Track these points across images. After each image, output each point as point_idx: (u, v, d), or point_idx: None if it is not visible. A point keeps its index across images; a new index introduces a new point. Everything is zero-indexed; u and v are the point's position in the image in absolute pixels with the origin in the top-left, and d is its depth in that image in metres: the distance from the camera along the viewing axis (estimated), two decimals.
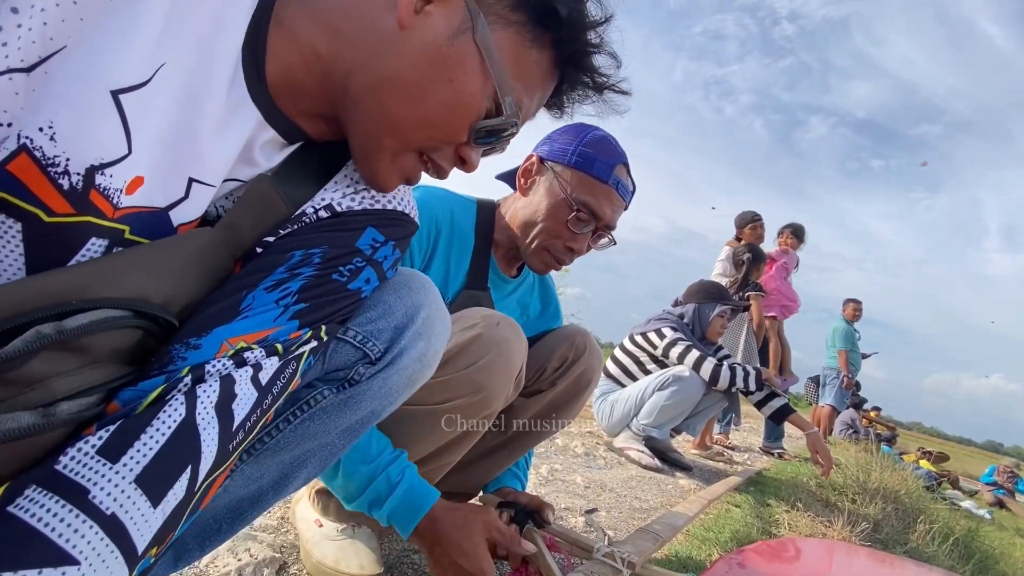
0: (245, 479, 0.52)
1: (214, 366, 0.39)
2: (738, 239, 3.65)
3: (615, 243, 1.01)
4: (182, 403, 0.36)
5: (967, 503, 6.57)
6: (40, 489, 0.30)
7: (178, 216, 0.41)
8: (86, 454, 0.32)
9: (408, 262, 0.89)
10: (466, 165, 0.51)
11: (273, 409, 0.45)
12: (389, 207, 0.53)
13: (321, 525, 0.91)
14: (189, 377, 0.38)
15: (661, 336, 2.45)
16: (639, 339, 2.53)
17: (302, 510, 0.96)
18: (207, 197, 0.43)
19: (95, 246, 0.37)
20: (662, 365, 2.46)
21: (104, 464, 0.32)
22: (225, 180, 0.45)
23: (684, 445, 3.00)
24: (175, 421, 0.36)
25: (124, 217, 0.38)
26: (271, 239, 0.47)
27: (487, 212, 1.02)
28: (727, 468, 2.77)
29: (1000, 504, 7.64)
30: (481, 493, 1.11)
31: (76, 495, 0.31)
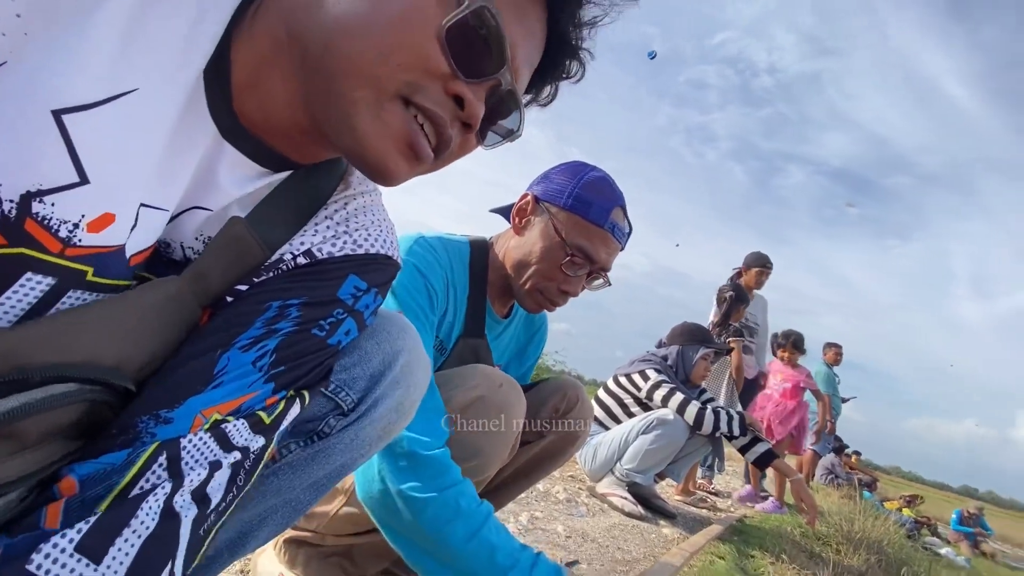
0: None
1: (191, 442, 0.36)
2: (737, 275, 3.59)
3: (610, 284, 0.99)
4: (164, 491, 0.33)
5: (946, 551, 6.56)
6: None
7: (131, 246, 0.38)
8: (63, 551, 0.29)
9: (427, 314, 0.84)
10: (466, 108, 0.42)
11: (249, 484, 0.41)
12: (372, 251, 0.50)
13: None
14: (164, 456, 0.35)
15: (645, 378, 2.43)
16: (623, 380, 2.50)
17: (265, 563, 0.90)
18: (160, 223, 0.40)
19: (33, 283, 0.33)
20: (646, 408, 2.43)
21: (87, 565, 0.29)
22: (190, 208, 0.42)
23: (668, 491, 2.94)
24: (156, 513, 0.33)
25: (86, 257, 0.35)
26: (244, 287, 0.44)
27: (480, 253, 0.99)
28: (711, 515, 2.71)
29: (976, 545, 7.74)
30: None
31: None
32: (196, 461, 0.36)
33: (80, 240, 0.34)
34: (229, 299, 0.43)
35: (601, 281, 0.98)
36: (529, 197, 0.97)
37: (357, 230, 0.50)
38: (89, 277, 0.35)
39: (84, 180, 0.33)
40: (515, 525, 1.62)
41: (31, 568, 0.28)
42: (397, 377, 0.53)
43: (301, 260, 0.46)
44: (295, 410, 0.43)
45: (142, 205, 0.37)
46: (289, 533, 0.90)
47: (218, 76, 0.39)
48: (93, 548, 0.30)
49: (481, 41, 0.40)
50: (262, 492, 0.49)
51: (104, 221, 0.35)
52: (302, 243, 0.47)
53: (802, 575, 1.79)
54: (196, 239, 0.43)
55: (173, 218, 0.41)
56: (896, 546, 3.06)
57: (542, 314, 1.13)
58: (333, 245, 0.48)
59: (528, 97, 0.54)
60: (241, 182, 0.43)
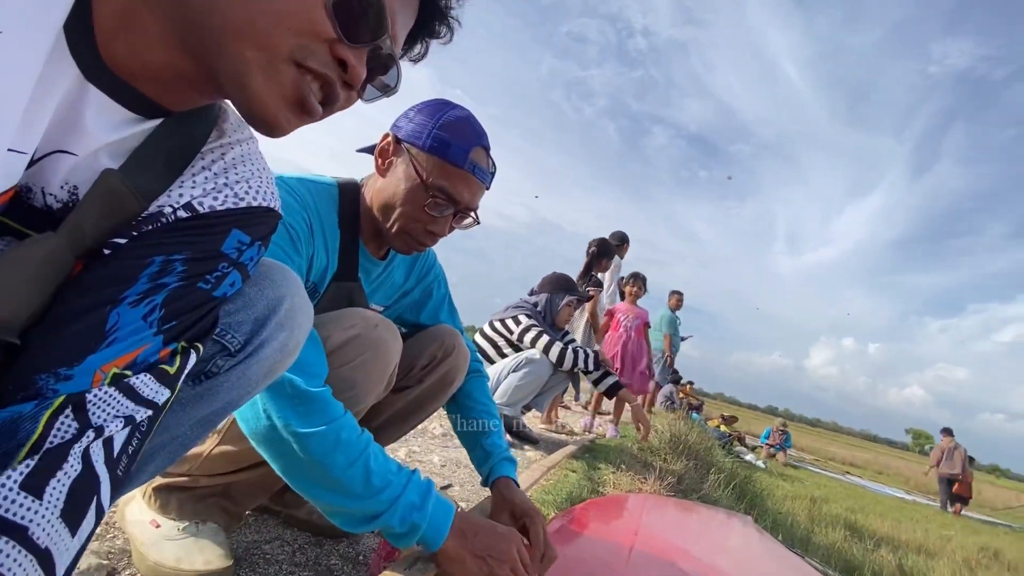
0: None
1: (97, 395, 0.39)
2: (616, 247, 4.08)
3: (479, 222, 1.00)
4: (88, 438, 0.37)
5: (750, 456, 8.23)
6: None
7: None
8: (11, 489, 0.33)
9: (292, 257, 0.83)
10: (349, 71, 0.46)
11: (153, 429, 0.44)
12: (254, 204, 0.51)
13: (159, 526, 0.86)
14: (70, 409, 0.37)
15: (517, 323, 2.64)
16: (498, 325, 2.68)
17: (134, 512, 0.89)
18: (19, 166, 0.38)
19: None
20: (517, 349, 2.65)
21: (32, 500, 0.34)
22: (53, 152, 0.40)
23: (533, 421, 3.28)
24: (79, 460, 0.36)
25: None
26: (122, 240, 0.44)
27: (350, 196, 0.98)
28: (568, 439, 3.10)
29: (773, 454, 10.07)
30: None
31: (17, 532, 0.32)
32: (106, 413, 0.39)
33: None
34: (106, 251, 0.43)
35: (470, 220, 0.99)
36: (390, 138, 0.95)
37: (238, 182, 0.51)
38: None
39: None
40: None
41: None
42: (281, 320, 0.56)
43: (182, 213, 0.46)
44: (192, 360, 0.46)
45: (8, 150, 0.37)
46: (158, 480, 0.88)
47: (81, 19, 0.39)
48: (34, 487, 0.34)
49: (364, 12, 0.45)
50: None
51: None
52: (181, 195, 0.47)
53: (635, 480, 2.18)
54: (62, 188, 0.42)
55: (34, 162, 0.40)
56: (709, 454, 3.80)
57: (427, 253, 1.14)
58: (215, 199, 0.48)
59: (401, 53, 0.58)
60: (110, 128, 0.43)
